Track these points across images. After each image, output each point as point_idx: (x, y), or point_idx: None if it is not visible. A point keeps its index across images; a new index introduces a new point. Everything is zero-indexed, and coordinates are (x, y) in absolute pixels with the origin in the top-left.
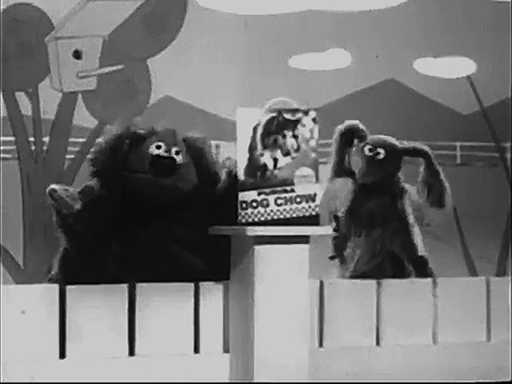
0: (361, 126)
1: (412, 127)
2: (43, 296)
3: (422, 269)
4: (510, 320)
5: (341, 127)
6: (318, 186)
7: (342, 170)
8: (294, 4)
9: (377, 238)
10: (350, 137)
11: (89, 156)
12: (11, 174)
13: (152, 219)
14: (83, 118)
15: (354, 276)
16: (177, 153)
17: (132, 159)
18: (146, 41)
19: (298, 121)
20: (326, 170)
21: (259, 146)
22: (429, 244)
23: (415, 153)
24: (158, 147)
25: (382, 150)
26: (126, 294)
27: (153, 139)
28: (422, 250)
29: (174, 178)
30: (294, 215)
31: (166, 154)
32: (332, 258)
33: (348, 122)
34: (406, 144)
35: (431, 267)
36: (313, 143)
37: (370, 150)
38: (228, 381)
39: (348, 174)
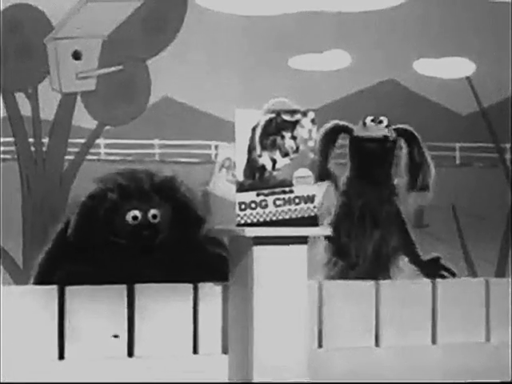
0: (345, 123)
1: (412, 127)
2: (43, 296)
3: (435, 271)
4: (509, 320)
5: (325, 127)
6: (316, 187)
7: (325, 172)
8: (293, 4)
9: (375, 239)
10: (333, 136)
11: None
12: (11, 175)
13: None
14: (83, 118)
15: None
16: (154, 216)
17: (113, 226)
18: (145, 41)
19: (296, 122)
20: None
21: (258, 147)
22: (429, 244)
23: (404, 134)
24: (135, 218)
25: (384, 118)
26: (126, 295)
27: (126, 206)
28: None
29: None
30: (293, 216)
31: (144, 222)
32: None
33: (332, 122)
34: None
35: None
36: (311, 144)
37: (373, 120)
38: (227, 381)
39: (331, 178)
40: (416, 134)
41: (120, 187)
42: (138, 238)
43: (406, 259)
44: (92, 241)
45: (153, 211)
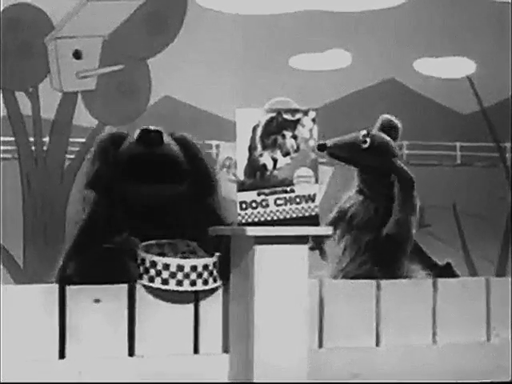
0: (394, 122)
1: (412, 127)
2: (43, 296)
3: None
4: (510, 320)
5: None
6: (317, 187)
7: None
8: (293, 4)
9: (367, 241)
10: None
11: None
12: (11, 174)
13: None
14: (83, 117)
15: (345, 277)
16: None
17: (120, 154)
18: (145, 41)
19: (297, 121)
20: (326, 171)
21: (259, 147)
22: (429, 243)
23: (401, 175)
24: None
25: (368, 141)
26: (126, 294)
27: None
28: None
29: (162, 149)
30: (294, 215)
31: (148, 129)
32: (312, 248)
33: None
34: (401, 163)
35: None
36: (312, 143)
37: (363, 136)
38: (227, 381)
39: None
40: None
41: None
42: (146, 141)
43: (419, 266)
44: (104, 181)
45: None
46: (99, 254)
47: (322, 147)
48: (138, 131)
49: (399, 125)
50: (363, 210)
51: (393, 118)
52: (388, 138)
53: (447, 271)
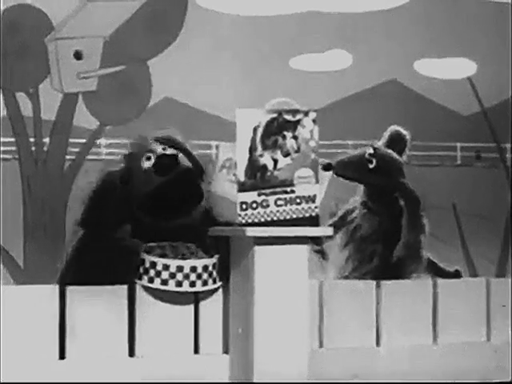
0: (403, 133)
1: (413, 128)
2: (43, 296)
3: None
4: (510, 320)
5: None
6: (317, 187)
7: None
8: (294, 4)
9: (372, 251)
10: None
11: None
12: (11, 175)
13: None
14: (84, 118)
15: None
16: (164, 149)
17: (136, 186)
18: (146, 42)
19: (298, 122)
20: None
21: (259, 147)
22: (429, 244)
23: (408, 196)
24: (148, 158)
25: (374, 161)
26: (126, 295)
27: (137, 160)
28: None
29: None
30: (294, 216)
31: (164, 152)
32: (316, 251)
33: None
34: (406, 182)
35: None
36: (313, 144)
37: (369, 155)
38: (227, 381)
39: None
40: (421, 202)
41: (126, 155)
42: (162, 169)
43: (428, 275)
44: (106, 222)
45: (161, 146)
46: (100, 254)
47: (327, 167)
48: (148, 163)
49: (408, 136)
50: (367, 222)
51: (401, 130)
52: (395, 156)
53: (456, 278)
